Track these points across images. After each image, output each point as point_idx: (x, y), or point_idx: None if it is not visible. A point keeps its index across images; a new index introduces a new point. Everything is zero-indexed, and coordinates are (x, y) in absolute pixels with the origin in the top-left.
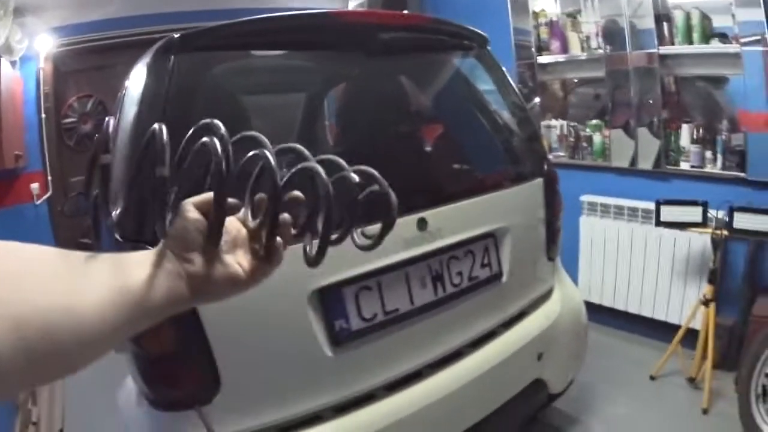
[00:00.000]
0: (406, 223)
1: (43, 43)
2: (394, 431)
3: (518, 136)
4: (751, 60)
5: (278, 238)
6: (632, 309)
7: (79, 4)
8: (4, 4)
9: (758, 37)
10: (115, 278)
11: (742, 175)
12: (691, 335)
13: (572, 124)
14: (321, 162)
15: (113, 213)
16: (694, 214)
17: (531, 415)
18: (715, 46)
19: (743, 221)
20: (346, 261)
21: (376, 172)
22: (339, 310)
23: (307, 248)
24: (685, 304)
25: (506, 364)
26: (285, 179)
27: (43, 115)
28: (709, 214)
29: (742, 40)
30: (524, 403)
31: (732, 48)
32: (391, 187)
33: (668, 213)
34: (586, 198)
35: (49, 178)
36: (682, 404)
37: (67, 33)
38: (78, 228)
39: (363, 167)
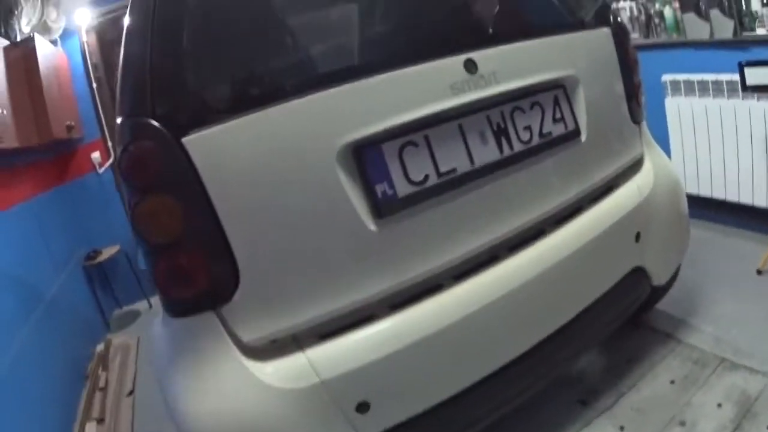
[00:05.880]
0: (450, 65)
1: (82, 17)
2: (465, 329)
3: None
4: None
5: None
6: (731, 197)
7: None
8: None
9: None
10: None
11: None
12: None
13: (641, 1)
14: None
15: None
16: None
17: (633, 312)
18: None
19: None
20: (380, 108)
21: None
22: (379, 171)
23: None
24: None
25: (599, 243)
26: None
27: (95, 85)
28: None
29: None
30: (625, 296)
31: None
32: (430, 22)
33: (753, 75)
34: (668, 77)
35: (110, 143)
36: None
37: (105, 2)
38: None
39: None
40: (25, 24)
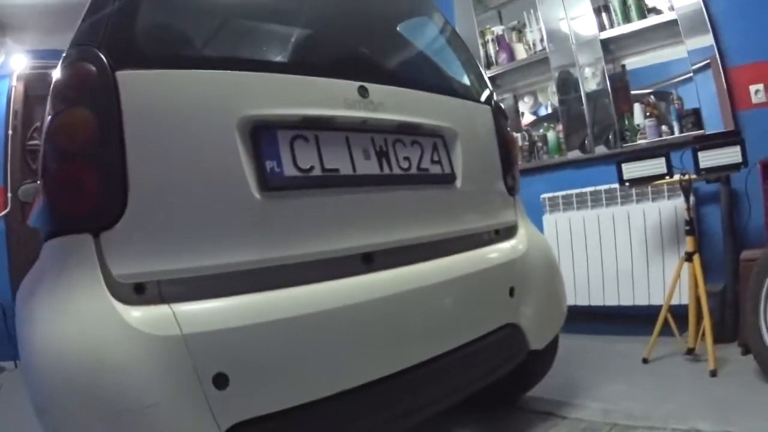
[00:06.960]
0: (347, 85)
1: (17, 63)
2: (329, 324)
3: (467, 67)
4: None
5: None
6: (610, 301)
7: (55, 29)
8: None
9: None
10: None
11: (700, 132)
12: (681, 316)
13: (525, 129)
14: None
15: None
16: (657, 166)
17: (510, 378)
18: (652, 18)
19: (709, 159)
20: (281, 98)
21: None
22: (271, 150)
23: None
24: (666, 280)
25: (470, 284)
26: None
27: (10, 132)
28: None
29: (677, 6)
30: (498, 349)
31: (667, 16)
32: (342, 49)
33: (630, 170)
34: (546, 195)
35: (9, 194)
36: (686, 374)
37: (41, 56)
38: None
39: None
40: None
